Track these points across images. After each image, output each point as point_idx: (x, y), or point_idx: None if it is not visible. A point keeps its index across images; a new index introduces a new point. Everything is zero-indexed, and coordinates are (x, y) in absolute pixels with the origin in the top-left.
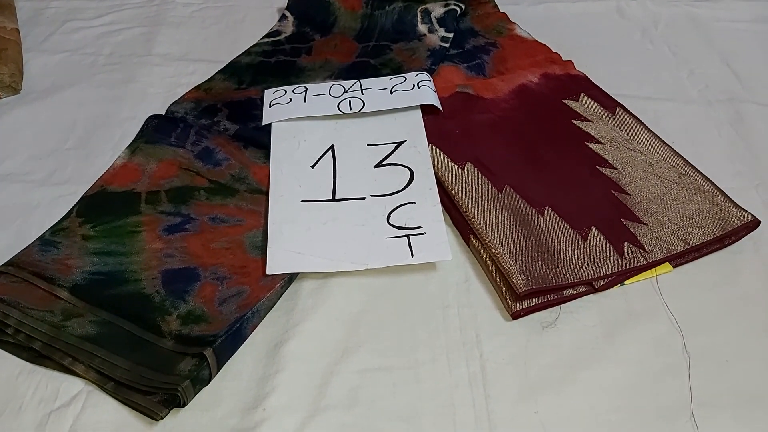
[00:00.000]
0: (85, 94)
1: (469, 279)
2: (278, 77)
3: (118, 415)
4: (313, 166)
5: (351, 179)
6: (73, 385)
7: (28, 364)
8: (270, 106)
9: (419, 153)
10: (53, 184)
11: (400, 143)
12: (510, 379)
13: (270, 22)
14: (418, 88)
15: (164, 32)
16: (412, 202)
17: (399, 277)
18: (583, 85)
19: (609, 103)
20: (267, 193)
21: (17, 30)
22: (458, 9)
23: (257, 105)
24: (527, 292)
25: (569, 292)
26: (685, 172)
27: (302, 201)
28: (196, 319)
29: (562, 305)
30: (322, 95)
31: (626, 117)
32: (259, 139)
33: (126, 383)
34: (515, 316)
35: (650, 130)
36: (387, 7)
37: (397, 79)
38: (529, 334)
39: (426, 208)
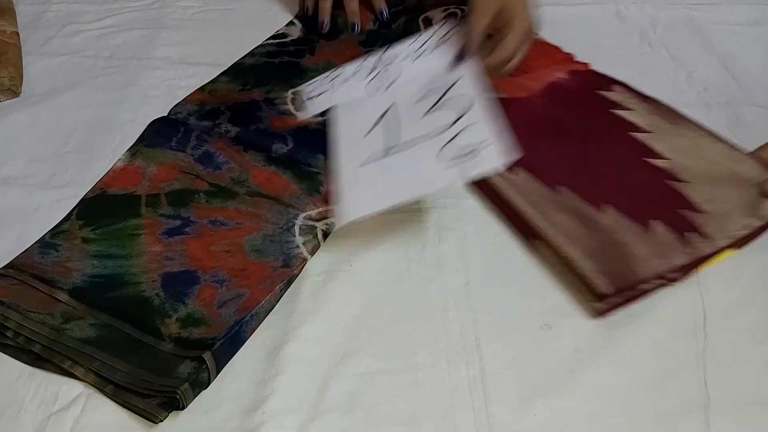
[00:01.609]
0: (85, 98)
1: (470, 283)
2: (281, 79)
3: (117, 417)
4: (366, 135)
5: (405, 135)
6: (72, 388)
7: (27, 367)
8: (309, 99)
9: (469, 84)
10: (53, 188)
11: (449, 88)
12: (510, 383)
13: (270, 25)
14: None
15: (164, 35)
16: (467, 128)
17: (399, 280)
18: (611, 80)
19: (642, 94)
20: (267, 196)
21: (17, 33)
22: (459, 12)
23: (260, 107)
24: (609, 293)
25: (646, 286)
26: (733, 156)
27: (360, 165)
28: (196, 322)
29: (560, 309)
30: (355, 81)
31: (663, 106)
32: (259, 142)
33: (125, 386)
34: (599, 314)
35: (689, 118)
36: (393, 26)
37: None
38: (529, 338)
39: (479, 130)
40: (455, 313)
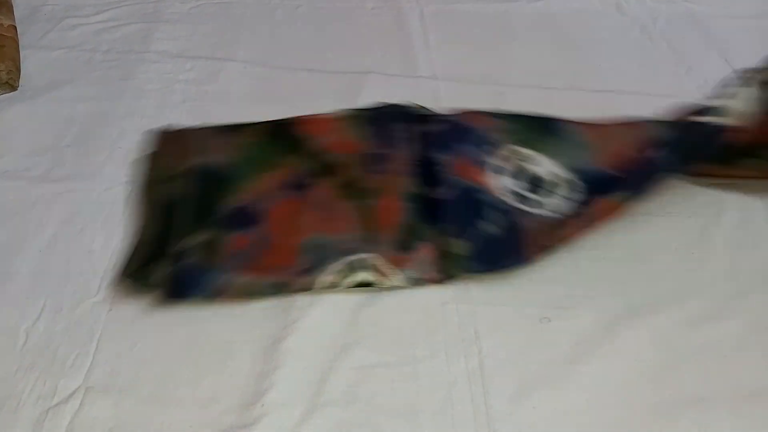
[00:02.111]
0: (83, 91)
1: (468, 275)
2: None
3: (116, 411)
4: None
5: None
6: (71, 382)
7: (26, 360)
8: None
9: None
10: (51, 181)
11: None
12: (508, 375)
13: (268, 19)
14: None
15: (162, 29)
16: None
17: None
18: None
19: None
20: (373, 221)
21: (14, 27)
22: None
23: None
24: None
25: None
26: None
27: None
28: (208, 252)
29: (559, 302)
30: None
31: None
32: (425, 176)
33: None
34: None
35: None
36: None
37: None
38: (527, 330)
39: None
40: (454, 306)
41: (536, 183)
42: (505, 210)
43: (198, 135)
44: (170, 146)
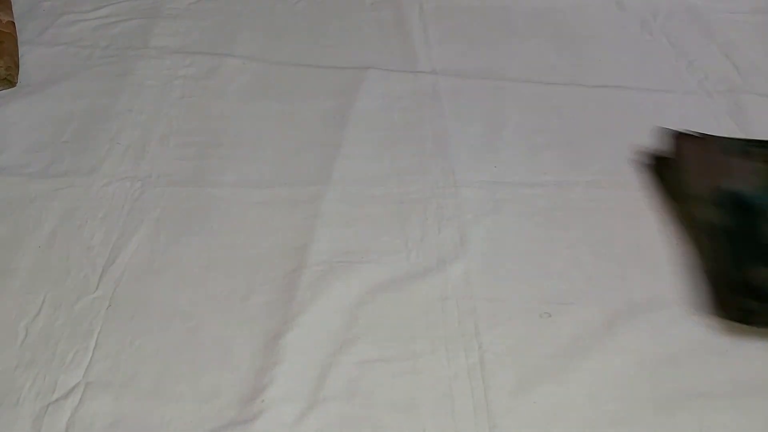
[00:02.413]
0: (82, 87)
1: (469, 271)
2: None
3: (115, 406)
4: None
5: None
6: (71, 378)
7: (26, 356)
8: None
9: None
10: (50, 177)
11: None
12: (509, 370)
13: (268, 15)
14: None
15: (161, 25)
16: None
17: (398, 269)
18: None
19: None
20: None
21: (13, 23)
22: None
23: None
24: None
25: None
26: None
27: None
28: None
29: (559, 297)
30: None
31: None
32: None
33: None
34: None
35: None
36: None
37: None
38: (528, 325)
39: None
40: (454, 301)
41: None
42: None
43: (715, 149)
44: (688, 155)
